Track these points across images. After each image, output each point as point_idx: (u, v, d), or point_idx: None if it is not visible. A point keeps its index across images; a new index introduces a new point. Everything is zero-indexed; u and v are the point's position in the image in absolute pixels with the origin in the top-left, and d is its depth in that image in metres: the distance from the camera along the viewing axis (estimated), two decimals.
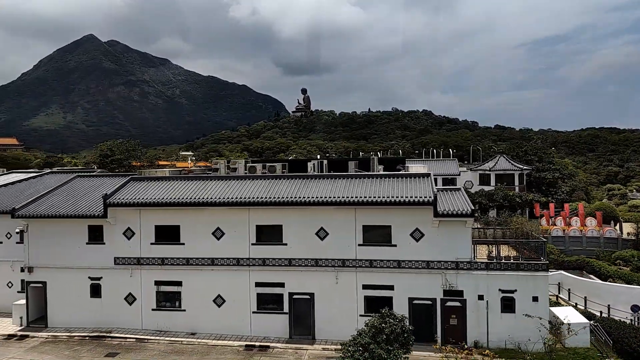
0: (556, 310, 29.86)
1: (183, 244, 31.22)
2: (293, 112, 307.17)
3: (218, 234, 30.95)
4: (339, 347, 28.58)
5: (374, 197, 29.00)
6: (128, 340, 30.41)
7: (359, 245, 29.58)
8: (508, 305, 28.10)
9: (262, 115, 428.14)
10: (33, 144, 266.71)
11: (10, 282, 35.25)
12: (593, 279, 36.10)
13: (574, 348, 27.07)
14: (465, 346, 24.49)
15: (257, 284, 30.66)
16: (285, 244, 30.35)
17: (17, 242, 35.02)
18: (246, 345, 29.39)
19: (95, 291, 32.05)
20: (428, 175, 31.30)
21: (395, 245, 29.14)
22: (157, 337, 30.58)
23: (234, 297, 30.83)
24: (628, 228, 49.82)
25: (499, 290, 28.13)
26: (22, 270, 33.09)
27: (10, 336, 31.36)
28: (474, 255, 28.69)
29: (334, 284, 29.82)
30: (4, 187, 38.43)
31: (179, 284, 31.41)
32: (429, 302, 28.85)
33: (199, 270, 31.10)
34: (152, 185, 33.19)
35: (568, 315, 28.31)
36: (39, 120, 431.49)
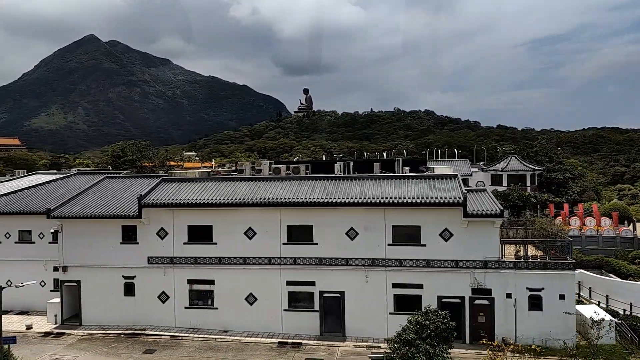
0: (581, 308, 30.61)
1: (215, 243, 31.97)
2: (295, 112, 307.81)
3: (250, 233, 31.70)
4: (371, 344, 29.68)
5: (405, 198, 29.75)
6: (163, 337, 31.17)
7: (389, 245, 30.34)
8: (535, 303, 28.84)
9: (262, 115, 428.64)
10: (34, 144, 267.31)
11: (43, 281, 35.93)
12: (613, 278, 36.89)
13: (600, 345, 27.80)
14: (512, 342, 25.16)
15: (288, 283, 31.42)
16: (316, 244, 31.10)
17: (49, 242, 35.80)
18: (279, 342, 30.14)
19: (129, 290, 32.81)
20: (455, 176, 32.08)
21: (424, 245, 29.91)
22: (191, 335, 31.33)
23: (265, 295, 31.59)
24: None
25: (527, 288, 28.88)
26: (56, 269, 33.84)
27: (46, 334, 32.10)
28: (502, 255, 29.43)
29: (364, 283, 30.58)
30: (33, 189, 39.15)
31: (212, 282, 32.16)
32: (458, 300, 29.60)
33: (231, 269, 31.85)
34: (184, 186, 33.91)
35: (594, 312, 29.01)
36: (39, 121, 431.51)
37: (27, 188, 39.05)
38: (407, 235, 30.19)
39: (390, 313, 30.27)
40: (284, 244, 31.45)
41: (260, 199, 31.37)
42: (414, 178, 32.64)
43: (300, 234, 31.41)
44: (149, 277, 32.55)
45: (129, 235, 32.76)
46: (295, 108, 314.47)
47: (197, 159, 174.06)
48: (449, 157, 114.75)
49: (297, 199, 30.89)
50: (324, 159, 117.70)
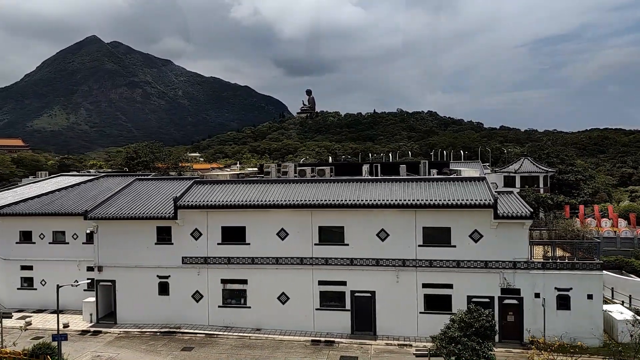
0: (606, 307, 31.34)
1: (249, 244, 32.75)
2: (298, 113, 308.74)
3: (282, 234, 32.47)
4: (402, 342, 30.45)
5: (435, 200, 30.53)
6: (198, 335, 31.94)
7: (419, 245, 31.12)
8: (563, 303, 29.60)
9: (264, 116, 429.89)
10: (37, 145, 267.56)
11: (76, 280, 36.61)
12: (635, 278, 37.69)
13: (626, 344, 28.54)
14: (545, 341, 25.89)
15: (320, 282, 32.19)
16: (347, 244, 31.88)
17: (83, 243, 36.54)
18: (312, 340, 30.91)
19: (164, 289, 33.58)
20: (483, 179, 32.85)
21: (454, 246, 30.68)
22: (225, 333, 32.10)
23: (297, 294, 32.36)
24: None
25: (555, 288, 29.64)
26: (91, 269, 34.61)
27: (84, 332, 32.87)
28: (531, 256, 30.20)
29: (395, 283, 31.35)
30: (64, 190, 39.91)
31: (245, 282, 32.94)
32: (487, 300, 30.35)
33: (264, 268, 32.63)
34: (216, 188, 34.70)
35: (619, 312, 29.82)
36: (42, 122, 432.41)
37: (59, 190, 39.79)
38: (437, 237, 30.95)
39: (420, 312, 31.05)
40: (315, 244, 32.22)
41: (293, 200, 32.14)
42: (443, 180, 33.42)
43: (331, 235, 32.20)
44: (183, 277, 33.33)
45: (164, 236, 33.54)
46: (296, 109, 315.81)
47: (202, 160, 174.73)
48: (454, 159, 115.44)
49: (330, 200, 31.66)
50: (329, 160, 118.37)
